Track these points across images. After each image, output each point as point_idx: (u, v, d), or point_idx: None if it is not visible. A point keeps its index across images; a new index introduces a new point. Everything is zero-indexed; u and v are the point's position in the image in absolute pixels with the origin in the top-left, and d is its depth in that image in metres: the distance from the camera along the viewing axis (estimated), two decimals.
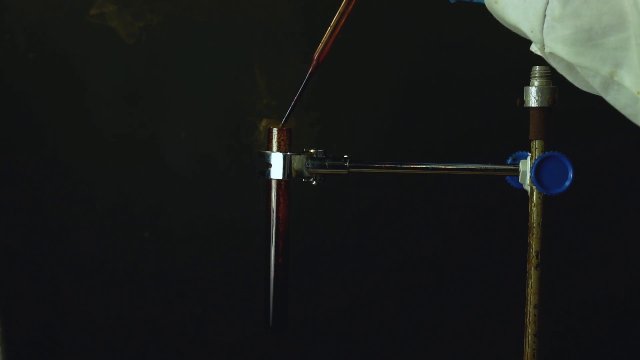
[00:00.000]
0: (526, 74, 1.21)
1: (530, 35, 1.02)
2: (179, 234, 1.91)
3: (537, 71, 1.20)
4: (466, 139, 1.88)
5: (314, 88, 1.34)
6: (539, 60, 1.17)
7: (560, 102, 1.21)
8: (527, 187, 1.22)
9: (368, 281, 1.92)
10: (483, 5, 1.08)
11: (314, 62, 1.23)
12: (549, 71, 1.19)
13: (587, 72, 0.99)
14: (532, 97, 1.19)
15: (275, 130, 1.24)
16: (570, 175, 1.18)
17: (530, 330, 1.21)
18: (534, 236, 1.20)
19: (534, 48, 1.05)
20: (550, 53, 1.01)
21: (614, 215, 1.90)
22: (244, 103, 1.89)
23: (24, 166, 1.89)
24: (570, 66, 1.03)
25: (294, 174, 1.24)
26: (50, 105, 1.88)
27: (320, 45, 1.22)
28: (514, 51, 1.75)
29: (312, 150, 1.25)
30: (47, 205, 1.89)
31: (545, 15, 0.99)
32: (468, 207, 1.90)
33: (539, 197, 1.20)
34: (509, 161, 1.25)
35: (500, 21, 1.06)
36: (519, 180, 1.23)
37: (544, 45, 1.01)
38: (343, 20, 1.21)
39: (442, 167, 1.25)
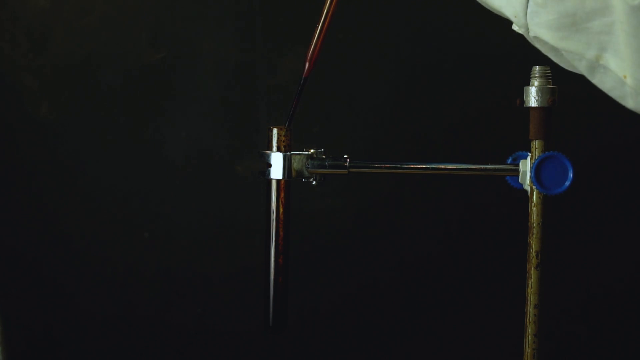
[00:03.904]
0: (526, 74, 1.21)
1: (514, 19, 1.02)
2: (179, 233, 1.91)
3: (537, 71, 1.20)
4: (466, 139, 1.88)
5: (314, 88, 1.34)
6: (539, 60, 1.17)
7: (560, 102, 1.21)
8: (527, 187, 1.22)
9: (368, 281, 1.92)
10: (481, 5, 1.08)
11: (307, 65, 1.23)
12: (549, 71, 1.19)
13: (573, 56, 1.00)
14: (532, 97, 1.19)
15: (275, 130, 1.24)
16: (570, 175, 1.18)
17: (530, 330, 1.21)
18: (534, 236, 1.21)
19: (516, 27, 1.06)
20: (535, 37, 1.02)
21: (614, 215, 1.90)
22: (245, 102, 1.90)
23: (23, 166, 1.89)
24: (555, 48, 1.03)
25: (294, 174, 1.24)
26: (49, 105, 1.88)
27: (310, 48, 1.22)
28: (513, 51, 1.75)
29: (312, 150, 1.25)
30: (47, 205, 1.89)
31: (528, 0, 1.00)
32: (468, 207, 1.90)
33: (539, 197, 1.20)
34: (509, 161, 1.25)
35: (484, 5, 1.07)
36: (519, 180, 1.23)
37: (528, 29, 1.01)
38: (328, 21, 1.21)
39: (442, 167, 1.25)
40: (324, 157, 1.25)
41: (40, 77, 1.87)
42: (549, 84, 1.19)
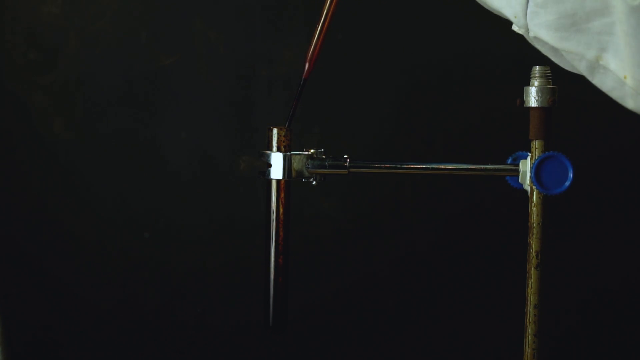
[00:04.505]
0: (526, 74, 1.21)
1: (514, 20, 1.02)
2: (179, 234, 1.91)
3: (537, 71, 1.20)
4: (466, 139, 1.88)
5: (314, 88, 1.34)
6: (539, 60, 1.17)
7: (560, 102, 1.21)
8: (527, 187, 1.22)
9: (368, 281, 1.92)
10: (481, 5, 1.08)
11: (307, 65, 1.23)
12: (549, 71, 1.19)
13: (573, 56, 1.00)
14: (532, 97, 1.19)
15: (275, 131, 1.24)
16: (570, 175, 1.18)
17: (530, 330, 1.21)
18: (534, 236, 1.20)
19: (515, 28, 1.06)
20: (535, 37, 1.02)
21: (614, 215, 1.90)
22: (245, 102, 1.89)
23: (24, 166, 1.89)
24: (555, 49, 1.03)
25: (294, 174, 1.24)
26: (50, 105, 1.88)
27: (310, 48, 1.22)
28: (513, 51, 1.75)
29: (312, 150, 1.25)
30: (47, 205, 1.89)
31: (528, 1, 1.00)
32: (468, 207, 1.90)
33: (539, 197, 1.20)
34: (509, 161, 1.25)
35: (484, 5, 1.07)
36: (519, 180, 1.23)
37: (528, 30, 1.01)
38: (327, 22, 1.21)
39: (442, 167, 1.25)
40: (324, 157, 1.25)
41: (39, 76, 1.87)
42: (549, 84, 1.19)
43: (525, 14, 1.01)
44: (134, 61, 1.88)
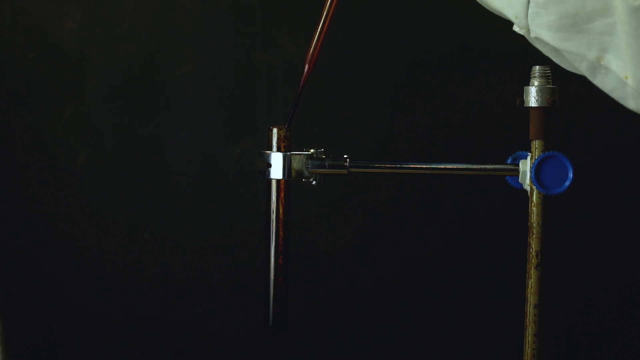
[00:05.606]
0: (526, 74, 1.21)
1: (515, 20, 1.02)
2: (179, 234, 1.91)
3: (537, 71, 1.20)
4: (466, 139, 1.88)
5: (314, 88, 1.34)
6: (539, 60, 1.17)
7: (560, 102, 1.21)
8: (527, 187, 1.22)
9: (368, 281, 1.92)
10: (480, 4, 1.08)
11: (306, 66, 1.22)
12: (549, 71, 1.19)
13: (574, 56, 1.00)
14: (532, 97, 1.19)
15: (275, 130, 1.24)
16: (570, 175, 1.18)
17: (530, 330, 1.21)
18: (534, 236, 1.20)
19: (516, 28, 1.06)
20: (536, 38, 1.02)
21: (614, 215, 1.90)
22: (245, 102, 1.89)
23: (23, 166, 1.89)
24: (556, 49, 1.03)
25: (294, 174, 1.24)
26: (50, 105, 1.88)
27: (310, 49, 1.22)
28: (513, 51, 1.75)
29: (312, 150, 1.25)
30: (47, 205, 1.89)
31: (529, 2, 1.00)
32: (468, 207, 1.90)
33: (539, 197, 1.20)
34: (509, 161, 1.25)
35: (485, 6, 1.07)
36: (519, 180, 1.23)
37: (529, 30, 1.02)
38: (327, 23, 1.21)
39: (442, 167, 1.25)
40: (324, 157, 1.25)
41: (39, 76, 1.87)
42: (549, 84, 1.19)
43: (526, 15, 1.01)
44: (134, 62, 1.88)
